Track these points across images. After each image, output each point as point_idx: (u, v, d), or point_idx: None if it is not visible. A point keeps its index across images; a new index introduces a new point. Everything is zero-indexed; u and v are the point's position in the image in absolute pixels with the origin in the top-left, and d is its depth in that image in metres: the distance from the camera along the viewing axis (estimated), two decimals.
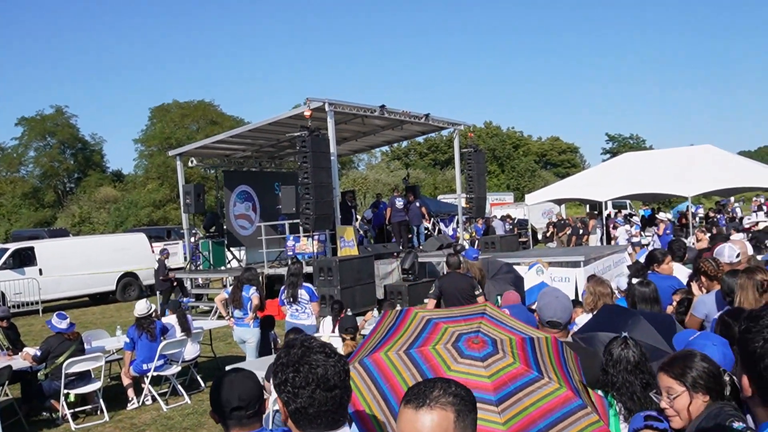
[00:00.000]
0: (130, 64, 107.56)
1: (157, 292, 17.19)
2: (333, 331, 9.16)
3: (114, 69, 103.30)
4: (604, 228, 23.46)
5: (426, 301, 8.85)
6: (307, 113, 15.10)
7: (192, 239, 19.47)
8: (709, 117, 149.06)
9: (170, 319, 9.74)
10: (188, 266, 18.92)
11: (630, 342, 2.99)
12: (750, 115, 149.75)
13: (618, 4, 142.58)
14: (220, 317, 11.42)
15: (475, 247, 20.65)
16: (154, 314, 9.34)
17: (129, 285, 21.70)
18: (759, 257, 8.41)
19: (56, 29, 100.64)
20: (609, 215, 26.47)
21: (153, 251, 22.04)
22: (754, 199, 33.87)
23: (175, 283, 17.07)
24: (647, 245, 20.70)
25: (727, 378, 2.46)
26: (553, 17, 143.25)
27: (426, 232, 21.73)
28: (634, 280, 6.55)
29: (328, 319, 9.47)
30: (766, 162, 72.80)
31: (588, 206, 31.49)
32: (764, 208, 27.39)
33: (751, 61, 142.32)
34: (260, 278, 15.95)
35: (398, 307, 9.41)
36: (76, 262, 20.42)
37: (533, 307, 8.63)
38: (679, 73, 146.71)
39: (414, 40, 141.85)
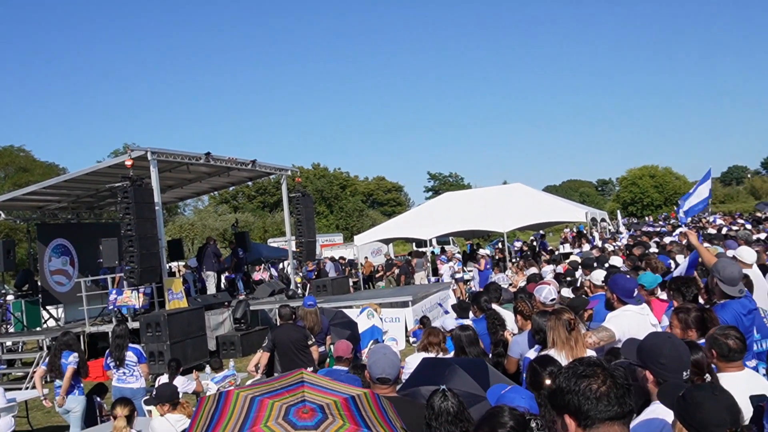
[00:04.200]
0: None
1: None
2: None
3: None
4: (430, 265, 24.50)
5: (260, 351, 8.79)
6: (129, 163, 14.52)
7: (1, 300, 17.89)
8: (520, 154, 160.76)
9: None
10: None
11: (448, 394, 3.22)
12: (555, 152, 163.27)
13: (435, 49, 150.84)
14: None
15: (307, 290, 20.84)
16: None
17: None
18: (568, 290, 9.31)
19: None
20: (434, 252, 27.70)
21: None
22: (565, 230, 36.85)
23: None
24: (470, 280, 21.94)
25: (533, 424, 2.76)
26: (373, 63, 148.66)
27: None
28: (459, 322, 7.00)
29: (164, 378, 9.07)
30: (570, 195, 78.91)
31: (414, 244, 32.73)
32: (569, 238, 29.89)
33: (555, 103, 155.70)
34: (82, 338, 15.04)
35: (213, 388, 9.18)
36: None
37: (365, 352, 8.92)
38: (491, 113, 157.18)
39: (241, 83, 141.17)
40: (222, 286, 20.08)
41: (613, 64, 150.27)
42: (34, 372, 13.96)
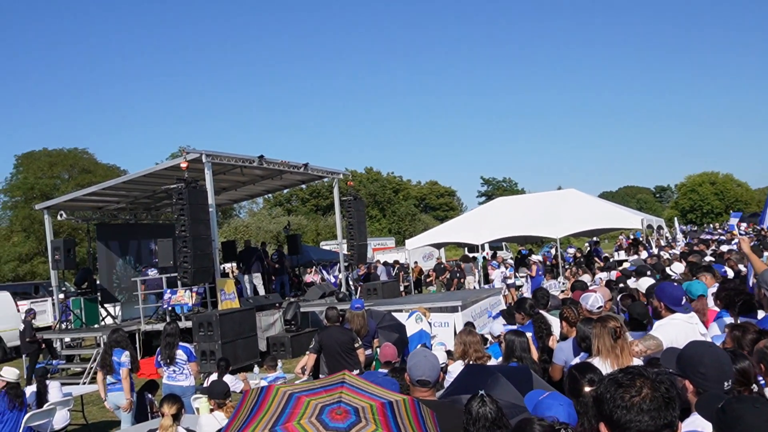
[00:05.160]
0: None
1: (23, 355, 16.17)
2: None
3: None
4: (481, 270, 24.33)
5: (307, 354, 8.89)
6: (184, 165, 14.88)
7: (62, 296, 18.49)
8: (575, 159, 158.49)
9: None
10: (57, 326, 17.93)
11: (487, 399, 3.19)
12: (611, 158, 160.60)
13: (491, 54, 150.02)
14: (93, 381, 10.89)
15: (357, 293, 20.92)
16: (21, 382, 8.79)
17: None
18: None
19: None
20: (485, 257, 27.46)
21: (18, 310, 20.73)
22: (620, 237, 36.06)
23: (43, 345, 16.10)
24: (521, 286, 21.70)
25: None
26: (427, 67, 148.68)
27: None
28: (507, 328, 6.95)
29: (214, 377, 9.24)
30: (627, 201, 77.05)
31: (466, 249, 32.54)
32: (624, 245, 29.23)
33: (612, 107, 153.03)
34: (137, 336, 15.45)
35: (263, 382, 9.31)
36: None
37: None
38: (547, 117, 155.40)
39: (295, 88, 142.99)
40: (272, 287, 20.36)
41: (673, 68, 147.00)
42: (92, 368, 14.46)
